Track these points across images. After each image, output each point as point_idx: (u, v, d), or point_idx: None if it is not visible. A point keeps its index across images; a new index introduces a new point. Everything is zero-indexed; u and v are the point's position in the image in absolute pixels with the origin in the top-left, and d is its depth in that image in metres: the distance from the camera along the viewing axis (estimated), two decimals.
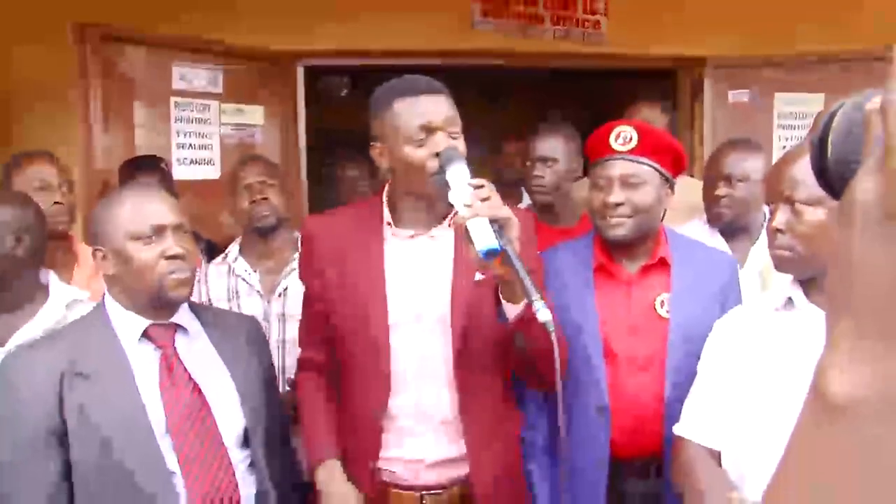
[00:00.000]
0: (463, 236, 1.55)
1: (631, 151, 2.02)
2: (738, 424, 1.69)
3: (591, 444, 2.03)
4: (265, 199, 2.66)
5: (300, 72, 4.10)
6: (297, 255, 2.65)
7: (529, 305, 1.52)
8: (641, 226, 2.03)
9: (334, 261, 1.88)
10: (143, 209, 1.74)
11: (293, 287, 2.60)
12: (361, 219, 1.91)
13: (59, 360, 1.66)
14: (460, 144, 1.75)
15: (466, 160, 1.69)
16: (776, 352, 1.66)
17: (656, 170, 2.03)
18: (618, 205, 2.01)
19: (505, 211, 1.55)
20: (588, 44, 4.32)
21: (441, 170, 1.67)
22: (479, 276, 1.74)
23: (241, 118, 3.86)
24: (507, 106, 6.82)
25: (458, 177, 1.63)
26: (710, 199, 2.72)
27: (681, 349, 1.99)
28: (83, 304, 2.15)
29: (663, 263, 2.08)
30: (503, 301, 1.68)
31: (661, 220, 2.12)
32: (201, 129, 3.71)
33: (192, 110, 3.68)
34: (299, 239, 2.71)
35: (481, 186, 1.59)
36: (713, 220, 2.74)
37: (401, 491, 1.86)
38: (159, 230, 1.73)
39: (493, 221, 1.53)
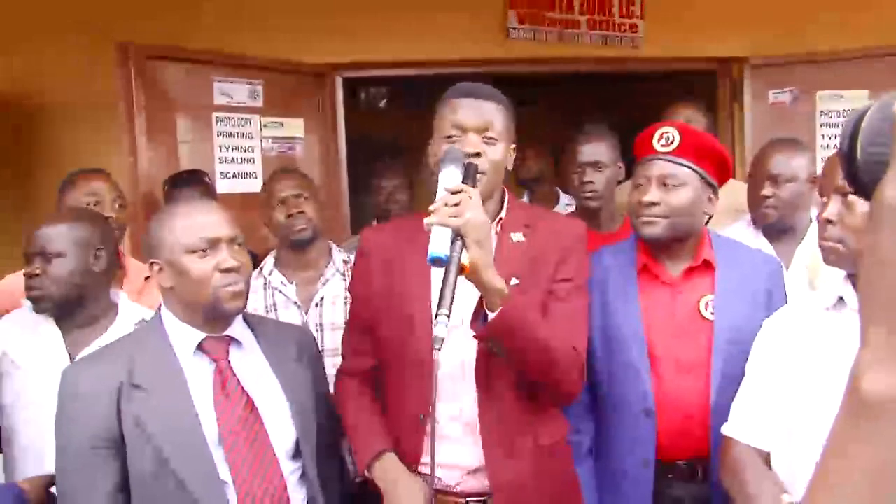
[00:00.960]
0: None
1: (672, 153, 2.02)
2: (787, 425, 1.68)
3: (636, 446, 2.02)
4: (301, 212, 2.69)
5: (338, 83, 4.15)
6: (331, 265, 2.72)
7: (495, 315, 1.62)
8: (676, 227, 2.02)
9: (385, 270, 1.91)
10: (197, 222, 1.77)
11: (329, 297, 2.66)
12: (411, 228, 1.93)
13: (117, 371, 1.70)
14: (491, 150, 1.79)
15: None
16: (826, 351, 1.63)
17: (696, 172, 2.02)
18: (652, 204, 2.00)
19: (462, 220, 1.57)
20: (626, 48, 4.31)
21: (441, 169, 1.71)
22: (514, 282, 1.74)
23: (281, 131, 3.91)
24: (542, 111, 6.83)
25: (444, 179, 1.66)
26: (756, 200, 2.69)
27: (725, 351, 1.97)
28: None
29: (707, 265, 2.07)
30: (486, 310, 1.68)
31: (706, 223, 2.11)
32: (243, 142, 3.75)
33: (234, 125, 3.74)
34: (331, 248, 2.77)
35: (457, 192, 1.62)
36: (758, 220, 2.70)
37: (444, 497, 1.87)
38: (214, 243, 1.75)
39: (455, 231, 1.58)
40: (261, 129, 3.83)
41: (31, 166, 3.75)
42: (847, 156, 0.61)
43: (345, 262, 2.77)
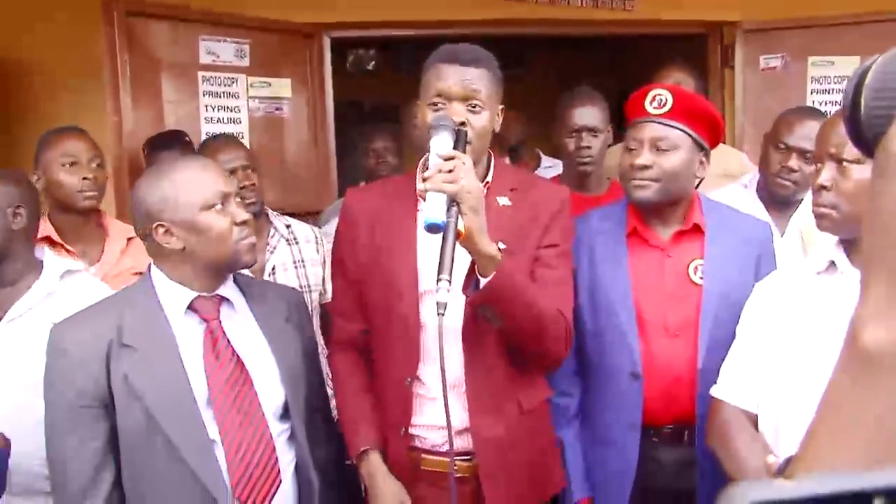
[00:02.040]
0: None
1: (664, 115, 2.00)
2: (776, 387, 1.68)
3: (623, 410, 2.03)
4: (253, 184, 2.67)
5: (326, 43, 4.08)
6: (274, 233, 2.74)
7: (488, 280, 1.64)
8: (669, 190, 2.01)
9: (369, 232, 1.90)
10: (209, 178, 1.75)
11: (279, 264, 2.71)
12: (397, 191, 1.94)
13: (106, 330, 1.68)
14: (476, 118, 1.78)
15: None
16: (817, 315, 1.64)
17: (689, 135, 2.01)
18: (645, 167, 1.99)
19: (458, 186, 1.58)
20: (618, 10, 4.25)
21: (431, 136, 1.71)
22: (501, 246, 1.74)
23: (268, 91, 3.85)
24: (530, 73, 6.78)
25: (436, 146, 1.66)
26: (775, 170, 2.57)
27: (714, 315, 1.98)
28: (77, 273, 2.18)
29: (697, 230, 2.06)
30: (478, 275, 1.69)
31: (696, 187, 2.09)
32: (229, 102, 3.70)
33: (220, 84, 3.68)
34: (269, 214, 2.77)
35: (450, 159, 1.62)
36: (776, 189, 2.59)
37: (432, 456, 1.89)
38: (225, 197, 1.74)
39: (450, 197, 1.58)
40: (247, 89, 3.77)
41: (10, 125, 3.69)
42: (851, 111, 0.60)
43: (287, 226, 2.77)
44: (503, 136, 3.61)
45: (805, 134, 2.49)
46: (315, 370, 1.99)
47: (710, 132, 2.05)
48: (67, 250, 2.54)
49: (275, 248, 2.72)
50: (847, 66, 4.05)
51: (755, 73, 4.26)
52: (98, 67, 3.26)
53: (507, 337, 1.82)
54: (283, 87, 3.91)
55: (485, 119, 1.80)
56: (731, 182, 2.83)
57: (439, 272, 1.55)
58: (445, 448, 1.86)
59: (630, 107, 2.10)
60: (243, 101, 3.76)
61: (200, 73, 3.61)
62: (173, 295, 1.75)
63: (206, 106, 3.64)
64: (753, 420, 1.75)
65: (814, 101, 4.16)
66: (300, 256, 2.78)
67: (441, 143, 1.66)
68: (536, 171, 3.86)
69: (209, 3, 3.61)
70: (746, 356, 1.79)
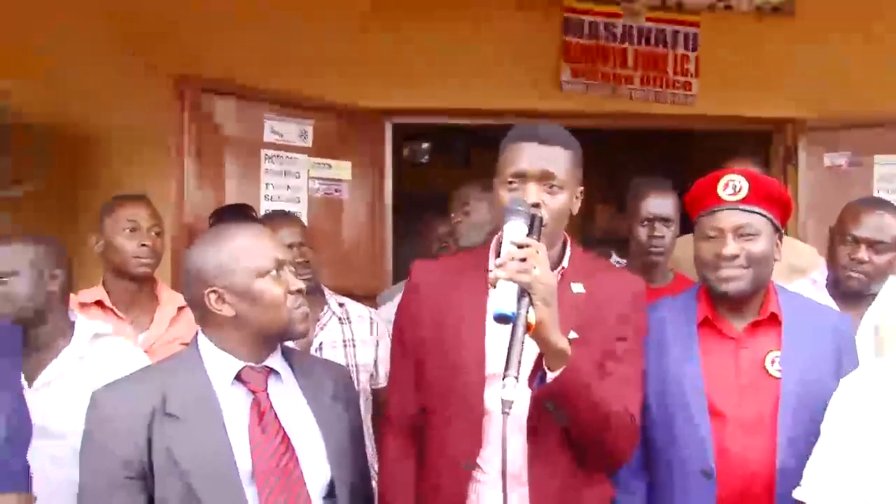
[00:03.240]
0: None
1: (742, 201, 1.93)
2: (869, 491, 1.55)
3: None
4: (307, 261, 2.66)
5: (388, 128, 4.13)
6: (326, 310, 2.74)
7: (556, 376, 1.57)
8: (757, 278, 1.94)
9: (434, 306, 1.84)
10: (265, 245, 1.72)
11: (327, 341, 2.70)
12: (466, 266, 1.88)
13: (150, 397, 1.62)
14: (553, 200, 1.73)
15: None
16: None
17: (768, 219, 1.94)
18: (733, 257, 1.91)
19: (531, 277, 1.51)
20: (678, 105, 4.25)
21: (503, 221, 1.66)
22: (572, 335, 1.67)
23: (328, 173, 3.89)
24: (591, 166, 6.77)
25: (510, 232, 1.60)
26: (844, 262, 2.51)
27: (794, 410, 1.86)
28: (107, 337, 2.20)
29: (773, 319, 1.97)
30: (545, 368, 1.61)
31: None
32: (290, 181, 3.74)
33: (282, 163, 3.72)
34: (324, 291, 2.77)
35: (523, 247, 1.55)
36: (846, 283, 2.53)
37: None
38: (280, 265, 1.71)
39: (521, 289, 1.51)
40: (308, 170, 3.81)
41: (77, 192, 3.75)
42: None
43: (340, 304, 2.74)
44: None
45: (873, 224, 2.45)
46: (360, 451, 1.91)
47: (783, 214, 1.99)
48: (118, 316, 2.55)
49: (325, 325, 2.69)
50: None
51: (819, 170, 4.19)
52: (167, 140, 3.33)
53: (570, 434, 1.74)
54: (343, 169, 3.95)
55: (561, 201, 1.74)
56: (799, 277, 2.74)
57: (506, 368, 1.46)
58: None
59: (698, 195, 2.03)
60: (304, 180, 3.80)
61: (263, 151, 3.67)
62: (221, 364, 1.70)
63: (268, 184, 3.68)
64: None
65: None
66: (351, 336, 2.74)
67: (515, 229, 1.60)
68: None
69: (274, 83, 3.68)
70: (835, 455, 1.66)
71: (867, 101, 4.07)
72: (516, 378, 1.45)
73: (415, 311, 1.88)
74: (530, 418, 1.73)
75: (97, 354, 2.12)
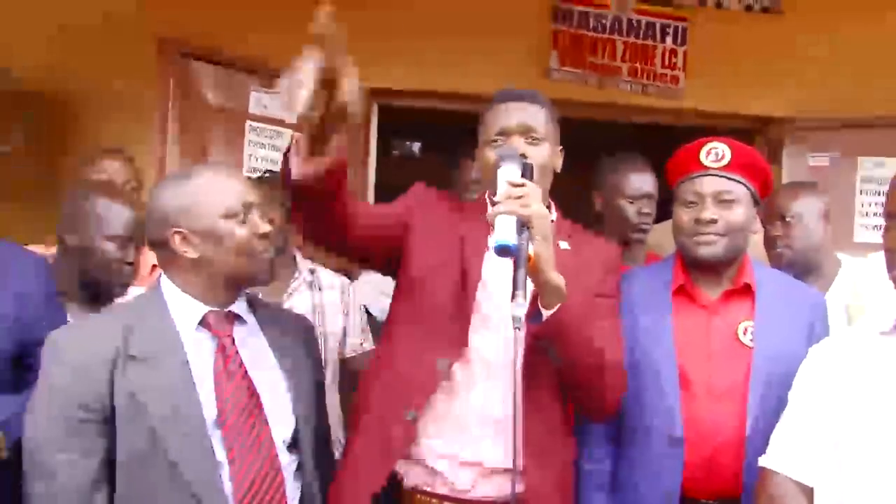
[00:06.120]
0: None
1: (724, 168, 1.94)
2: (835, 458, 1.54)
3: (660, 478, 1.89)
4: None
5: (373, 109, 4.11)
6: (297, 276, 2.67)
7: (554, 312, 1.58)
8: (733, 246, 1.94)
9: (434, 227, 1.83)
10: (233, 186, 1.68)
11: (297, 308, 2.57)
12: (467, 210, 1.90)
13: (112, 338, 1.58)
14: (536, 150, 1.78)
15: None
16: (882, 379, 1.52)
17: (748, 188, 1.95)
18: (711, 222, 1.91)
19: (530, 210, 1.53)
20: (665, 98, 4.26)
21: (497, 167, 1.68)
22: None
23: None
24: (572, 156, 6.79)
25: (504, 175, 1.63)
26: (768, 242, 2.68)
27: (765, 380, 1.86)
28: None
29: (747, 290, 1.97)
30: (540, 307, 1.61)
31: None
32: (272, 154, 3.70)
33: (266, 135, 3.69)
34: (296, 257, 2.71)
35: (519, 185, 1.58)
36: (773, 261, 2.64)
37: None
38: (248, 207, 1.67)
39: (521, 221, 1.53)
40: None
41: (56, 156, 3.71)
42: None
43: (311, 271, 2.70)
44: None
45: (775, 201, 2.66)
46: (322, 407, 1.89)
47: (763, 187, 2.00)
48: None
49: (293, 291, 2.64)
50: None
51: (803, 170, 4.20)
52: (150, 104, 3.30)
53: (563, 377, 1.74)
54: None
55: (545, 152, 1.80)
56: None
57: (514, 288, 1.47)
58: (471, 495, 1.73)
59: (680, 162, 2.03)
60: None
61: (248, 122, 3.64)
62: (185, 308, 1.66)
63: (251, 155, 3.65)
64: (808, 494, 1.59)
65: (863, 202, 4.09)
66: (321, 301, 2.69)
67: (510, 171, 1.63)
68: None
69: (264, 54, 3.65)
70: (802, 423, 1.65)
71: (853, 102, 4.08)
72: (525, 297, 1.46)
73: (413, 205, 1.87)
74: (526, 363, 1.71)
75: None
